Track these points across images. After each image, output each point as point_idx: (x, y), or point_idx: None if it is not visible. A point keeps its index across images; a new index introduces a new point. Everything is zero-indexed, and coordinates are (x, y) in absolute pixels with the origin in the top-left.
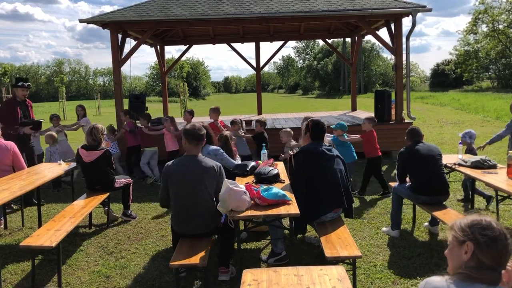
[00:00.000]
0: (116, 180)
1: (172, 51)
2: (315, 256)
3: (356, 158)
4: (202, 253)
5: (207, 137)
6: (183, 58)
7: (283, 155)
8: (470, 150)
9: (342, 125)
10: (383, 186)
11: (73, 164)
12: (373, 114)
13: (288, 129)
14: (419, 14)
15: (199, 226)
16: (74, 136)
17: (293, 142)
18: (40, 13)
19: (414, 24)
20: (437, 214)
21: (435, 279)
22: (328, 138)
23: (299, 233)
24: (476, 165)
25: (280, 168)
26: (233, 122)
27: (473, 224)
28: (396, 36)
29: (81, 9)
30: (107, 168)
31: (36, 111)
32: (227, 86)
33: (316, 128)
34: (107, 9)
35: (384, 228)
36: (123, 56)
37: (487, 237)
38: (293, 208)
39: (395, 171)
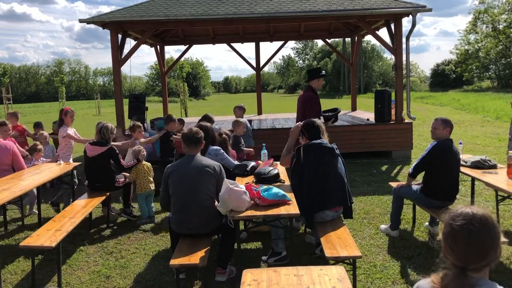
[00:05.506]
0: (117, 179)
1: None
2: (315, 256)
3: None
4: (202, 253)
5: (208, 138)
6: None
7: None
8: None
9: (160, 123)
10: None
11: (74, 164)
12: (372, 114)
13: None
14: (417, 14)
15: (198, 226)
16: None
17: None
18: (37, 13)
19: (414, 24)
20: (438, 214)
21: (423, 283)
22: (146, 133)
23: (310, 227)
24: (476, 165)
25: (280, 168)
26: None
27: (450, 218)
28: (396, 36)
29: (79, 9)
30: (109, 165)
31: (36, 111)
32: (227, 86)
33: (311, 129)
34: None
35: (382, 226)
36: (123, 56)
37: (451, 229)
38: (293, 208)
39: (395, 171)
